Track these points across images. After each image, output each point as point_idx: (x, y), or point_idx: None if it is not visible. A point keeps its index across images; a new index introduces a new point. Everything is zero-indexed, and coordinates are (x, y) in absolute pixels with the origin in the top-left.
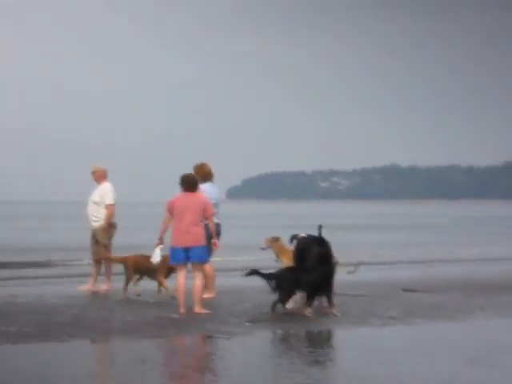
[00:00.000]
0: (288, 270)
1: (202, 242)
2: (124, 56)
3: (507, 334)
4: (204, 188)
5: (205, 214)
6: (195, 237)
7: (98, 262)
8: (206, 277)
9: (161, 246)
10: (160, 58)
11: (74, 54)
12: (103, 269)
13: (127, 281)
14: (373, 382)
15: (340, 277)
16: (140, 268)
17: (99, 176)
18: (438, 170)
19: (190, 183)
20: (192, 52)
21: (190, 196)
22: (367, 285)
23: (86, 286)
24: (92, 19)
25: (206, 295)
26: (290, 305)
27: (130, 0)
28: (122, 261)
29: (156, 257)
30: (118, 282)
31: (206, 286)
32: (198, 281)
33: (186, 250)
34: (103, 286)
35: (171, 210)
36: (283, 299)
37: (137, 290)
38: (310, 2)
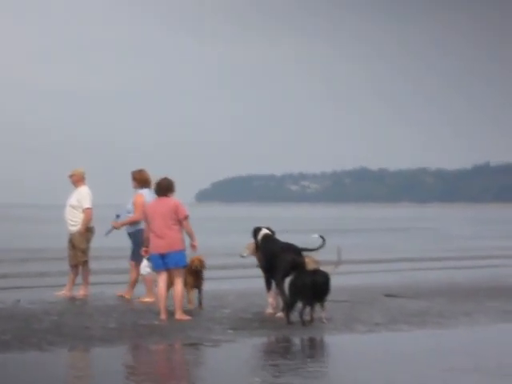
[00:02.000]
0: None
1: (178, 246)
2: (112, 54)
3: (495, 340)
4: (142, 193)
5: (177, 216)
6: (169, 242)
7: (75, 266)
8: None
9: (147, 255)
10: (132, 60)
11: (67, 54)
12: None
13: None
14: None
15: None
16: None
17: (77, 179)
18: (408, 173)
19: (159, 188)
20: (167, 52)
21: (160, 200)
22: (348, 290)
23: (63, 292)
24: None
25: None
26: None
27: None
28: None
29: (144, 268)
30: (95, 288)
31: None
32: (179, 287)
33: (162, 256)
34: (81, 292)
35: (145, 217)
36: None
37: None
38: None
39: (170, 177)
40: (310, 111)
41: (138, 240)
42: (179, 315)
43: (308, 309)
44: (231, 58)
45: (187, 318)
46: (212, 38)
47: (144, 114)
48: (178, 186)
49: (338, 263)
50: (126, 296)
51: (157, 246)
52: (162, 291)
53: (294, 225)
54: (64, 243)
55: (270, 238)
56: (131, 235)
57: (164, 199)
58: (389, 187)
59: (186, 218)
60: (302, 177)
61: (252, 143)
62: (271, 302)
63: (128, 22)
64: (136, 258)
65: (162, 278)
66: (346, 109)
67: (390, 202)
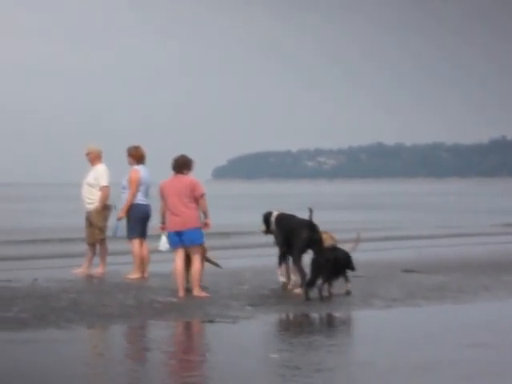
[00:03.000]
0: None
1: (194, 224)
2: (108, 36)
3: None
4: (138, 169)
5: (193, 194)
6: (185, 220)
7: (92, 245)
8: (136, 256)
9: (165, 231)
10: (144, 36)
11: (59, 34)
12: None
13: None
14: (378, 366)
15: None
16: None
17: (94, 157)
18: (424, 148)
19: (176, 165)
20: (177, 30)
21: (176, 178)
22: (365, 265)
23: (81, 270)
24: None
25: (133, 275)
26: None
27: None
28: None
29: (164, 244)
30: (112, 265)
31: (136, 266)
32: (197, 264)
33: (179, 233)
34: (98, 269)
35: (161, 194)
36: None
37: None
38: None
39: (187, 155)
40: (325, 87)
41: (134, 215)
42: (197, 292)
43: (327, 285)
44: (246, 29)
45: (205, 294)
46: (218, 7)
47: (160, 91)
48: (194, 164)
49: (357, 242)
50: (144, 275)
51: (173, 223)
52: (180, 268)
53: (313, 202)
54: (81, 222)
55: (284, 216)
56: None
57: (180, 177)
58: (405, 162)
59: (203, 196)
60: (318, 153)
61: (268, 119)
62: (281, 278)
63: None
64: (134, 233)
65: (179, 256)
66: (361, 85)
67: (407, 177)
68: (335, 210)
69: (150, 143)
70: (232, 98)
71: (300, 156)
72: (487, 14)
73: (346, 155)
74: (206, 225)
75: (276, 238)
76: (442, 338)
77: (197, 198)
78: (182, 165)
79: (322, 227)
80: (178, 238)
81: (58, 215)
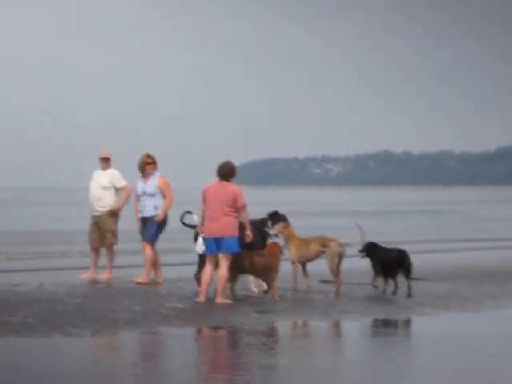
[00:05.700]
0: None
1: (231, 232)
2: (132, 42)
3: None
4: (163, 174)
5: (235, 204)
6: (223, 227)
7: (96, 249)
8: (149, 260)
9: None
10: (151, 39)
11: (84, 39)
12: (105, 257)
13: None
14: (382, 374)
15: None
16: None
17: (109, 162)
18: (431, 157)
19: (222, 171)
20: (189, 37)
21: (220, 184)
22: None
23: (87, 275)
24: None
25: (142, 279)
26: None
27: None
28: None
29: (199, 246)
30: (119, 271)
31: (147, 270)
32: (223, 271)
33: (216, 240)
34: (105, 275)
35: (204, 197)
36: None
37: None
38: None
39: (232, 161)
40: (333, 94)
41: (164, 221)
42: (220, 299)
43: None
44: (255, 38)
45: (227, 301)
46: (223, 18)
47: (167, 96)
48: (201, 170)
49: (363, 238)
50: (158, 280)
51: (211, 229)
52: (209, 275)
53: (320, 208)
54: (81, 226)
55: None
56: (152, 217)
57: (225, 184)
58: (412, 170)
59: (244, 207)
60: (325, 160)
61: (275, 126)
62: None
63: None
64: (156, 238)
65: (211, 262)
66: (370, 92)
67: (414, 185)
68: (342, 217)
69: (160, 148)
70: (240, 104)
71: (307, 163)
72: (502, 18)
73: (353, 162)
74: (247, 236)
75: None
76: (452, 346)
77: (238, 209)
78: (227, 172)
79: (329, 233)
80: (215, 245)
81: (63, 219)
